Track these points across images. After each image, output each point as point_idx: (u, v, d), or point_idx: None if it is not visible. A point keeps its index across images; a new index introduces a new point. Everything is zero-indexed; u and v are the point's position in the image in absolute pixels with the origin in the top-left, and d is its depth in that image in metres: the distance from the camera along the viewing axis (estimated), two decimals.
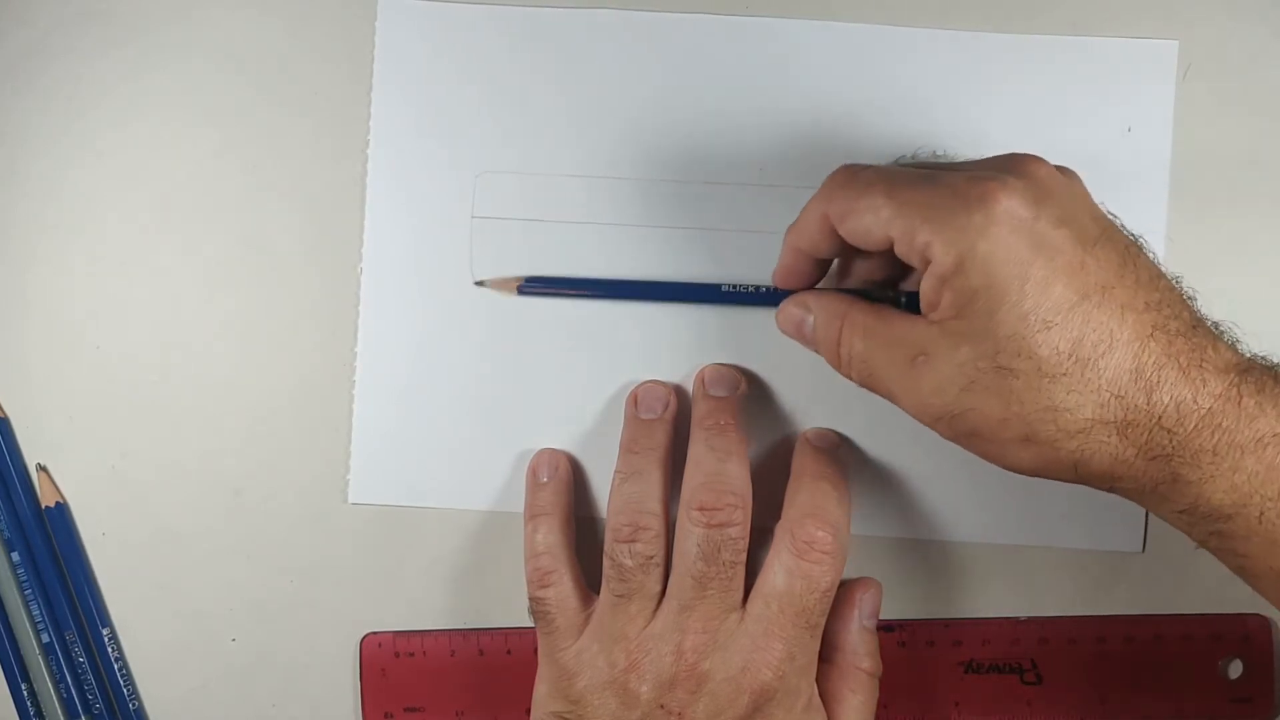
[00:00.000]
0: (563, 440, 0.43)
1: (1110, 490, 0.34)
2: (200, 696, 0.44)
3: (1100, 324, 0.32)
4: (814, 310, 0.38)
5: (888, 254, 0.35)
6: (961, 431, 0.34)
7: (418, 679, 0.44)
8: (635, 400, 0.42)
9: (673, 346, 0.43)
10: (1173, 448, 0.32)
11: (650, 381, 0.42)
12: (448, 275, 0.43)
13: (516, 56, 0.43)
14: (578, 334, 0.43)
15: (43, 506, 0.44)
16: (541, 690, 0.40)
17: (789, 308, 0.39)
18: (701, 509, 0.38)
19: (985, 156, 0.37)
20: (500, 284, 0.42)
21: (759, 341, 0.42)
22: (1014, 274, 0.32)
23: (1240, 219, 0.42)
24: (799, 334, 0.39)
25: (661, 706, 0.38)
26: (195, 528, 0.44)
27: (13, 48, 0.43)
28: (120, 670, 0.44)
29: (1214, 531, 0.33)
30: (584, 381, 0.43)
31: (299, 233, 0.43)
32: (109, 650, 0.44)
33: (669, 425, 0.41)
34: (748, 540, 0.39)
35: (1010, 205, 0.32)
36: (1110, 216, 0.35)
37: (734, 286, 0.42)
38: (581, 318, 0.43)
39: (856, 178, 0.36)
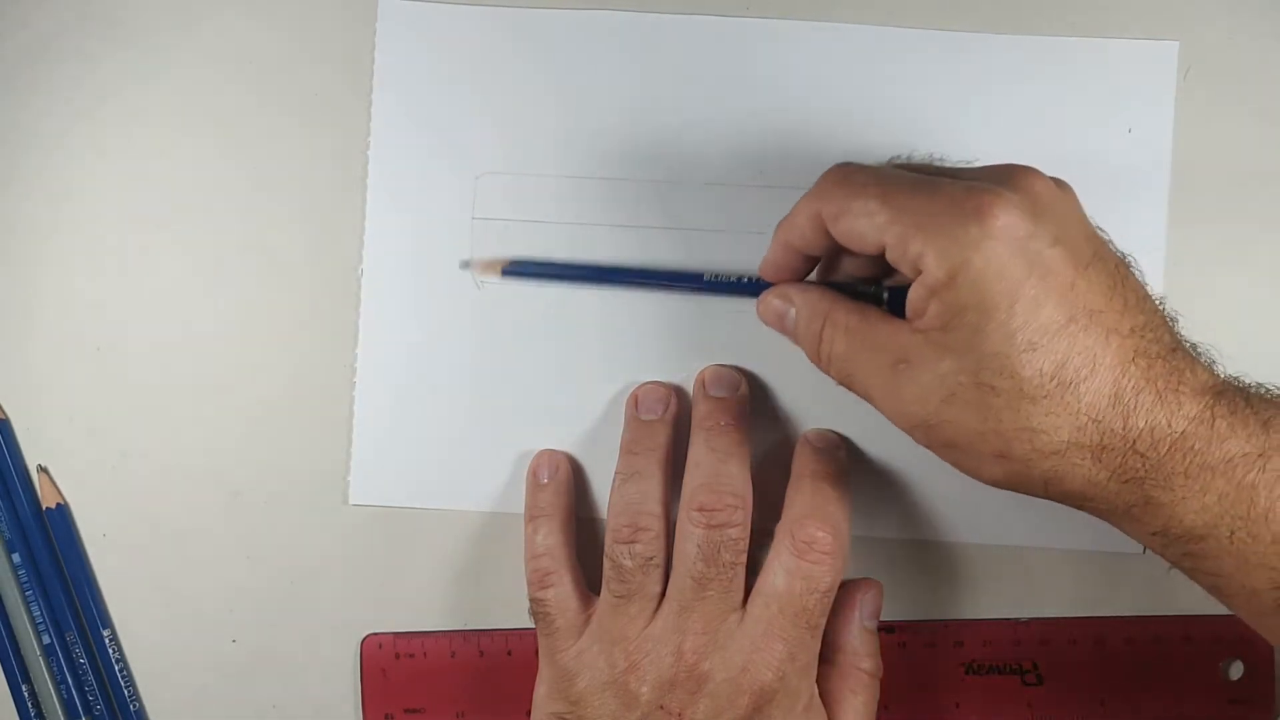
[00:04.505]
0: (563, 441, 0.43)
1: (1080, 509, 0.34)
2: (201, 697, 0.44)
3: (1085, 348, 0.32)
4: (797, 304, 0.38)
5: (875, 255, 0.35)
6: (937, 440, 0.34)
7: (418, 680, 0.44)
8: (636, 401, 0.42)
9: (673, 346, 0.43)
10: (1145, 471, 0.32)
11: (651, 383, 0.42)
12: (448, 277, 0.43)
13: (517, 58, 0.43)
14: (578, 335, 0.43)
15: (43, 507, 0.44)
16: (541, 691, 0.40)
17: (771, 299, 0.39)
18: (701, 510, 0.38)
19: (980, 164, 0.36)
20: (485, 266, 0.42)
21: (760, 342, 0.42)
22: (1005, 291, 0.32)
23: (1241, 220, 0.42)
24: (780, 326, 0.39)
25: (661, 707, 0.38)
26: (196, 529, 0.44)
27: (14, 50, 0.43)
28: (121, 671, 0.44)
29: (1187, 553, 0.33)
30: (584, 382, 0.43)
31: (300, 234, 0.43)
32: (109, 651, 0.44)
33: (669, 426, 0.41)
34: (748, 541, 0.39)
35: (1007, 221, 0.32)
36: (1100, 233, 0.34)
37: (717, 276, 0.41)
38: (582, 318, 0.43)
39: (851, 179, 0.35)
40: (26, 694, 0.44)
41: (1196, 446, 0.32)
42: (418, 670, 0.44)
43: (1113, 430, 0.32)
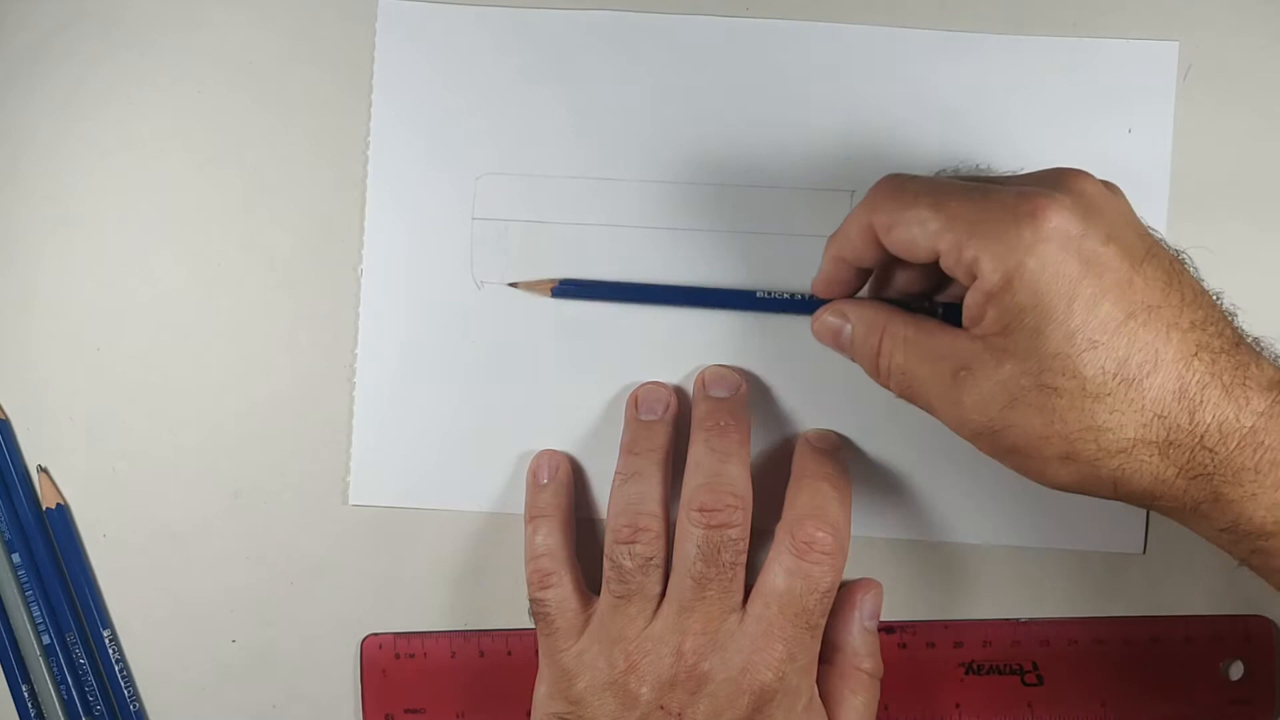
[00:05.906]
0: (563, 441, 0.43)
1: (1149, 508, 0.34)
2: (201, 698, 0.44)
3: (1146, 343, 0.32)
4: (853, 320, 0.38)
5: (928, 265, 0.35)
6: (1001, 447, 0.34)
7: (418, 680, 0.44)
8: (636, 402, 0.42)
9: (673, 348, 0.43)
10: (1214, 466, 0.32)
11: (651, 383, 0.42)
12: (448, 277, 0.43)
13: (516, 59, 0.43)
14: (578, 335, 0.43)
15: (43, 508, 0.44)
16: (541, 691, 0.40)
17: (826, 316, 0.39)
18: (701, 510, 0.38)
19: (1028, 170, 0.36)
20: (533, 286, 0.42)
21: (759, 343, 0.42)
22: (1062, 292, 0.32)
23: (1240, 220, 0.42)
24: (836, 343, 0.39)
25: (661, 707, 0.38)
26: (195, 529, 0.44)
27: (15, 50, 0.43)
28: (121, 672, 0.44)
29: (1255, 549, 0.33)
30: (584, 383, 0.43)
31: (299, 234, 0.43)
32: (109, 652, 0.44)
33: (669, 426, 0.41)
34: (748, 541, 0.39)
35: (1060, 222, 0.32)
36: (1152, 232, 0.34)
37: (769, 293, 0.41)
38: (581, 319, 0.43)
39: (903, 188, 0.35)
40: (26, 694, 0.44)
41: (1266, 441, 0.32)
42: (418, 670, 0.44)
43: (1179, 426, 0.32)
